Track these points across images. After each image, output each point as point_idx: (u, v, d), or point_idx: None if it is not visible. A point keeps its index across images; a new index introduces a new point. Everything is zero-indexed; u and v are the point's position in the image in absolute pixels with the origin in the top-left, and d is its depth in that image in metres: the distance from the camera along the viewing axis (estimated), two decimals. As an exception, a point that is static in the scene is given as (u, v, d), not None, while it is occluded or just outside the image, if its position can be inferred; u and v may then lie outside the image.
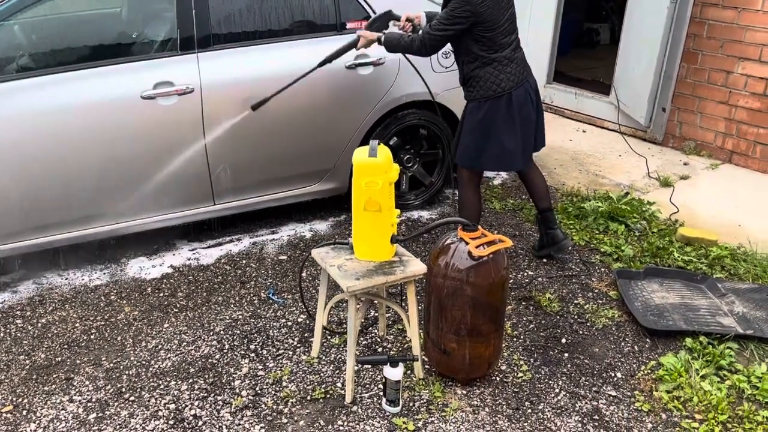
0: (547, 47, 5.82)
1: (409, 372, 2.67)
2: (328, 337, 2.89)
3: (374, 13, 3.65)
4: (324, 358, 2.77)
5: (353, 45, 3.36)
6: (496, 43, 3.02)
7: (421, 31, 3.12)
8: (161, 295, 3.22)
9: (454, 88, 3.86)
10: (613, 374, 2.71)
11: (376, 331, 2.95)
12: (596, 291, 3.30)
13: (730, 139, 4.82)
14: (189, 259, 3.55)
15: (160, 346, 2.84)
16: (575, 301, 3.20)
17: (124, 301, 3.17)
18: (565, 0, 5.67)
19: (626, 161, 4.91)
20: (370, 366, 2.70)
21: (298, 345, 2.85)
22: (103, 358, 2.77)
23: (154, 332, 2.94)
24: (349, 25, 3.64)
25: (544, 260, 3.57)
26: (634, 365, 2.76)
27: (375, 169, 2.40)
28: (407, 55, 3.43)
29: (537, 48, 5.95)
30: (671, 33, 4.89)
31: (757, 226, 3.90)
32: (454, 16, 2.94)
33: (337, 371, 2.69)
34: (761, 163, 4.67)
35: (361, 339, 2.89)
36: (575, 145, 5.24)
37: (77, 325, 2.99)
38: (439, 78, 3.83)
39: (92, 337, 2.91)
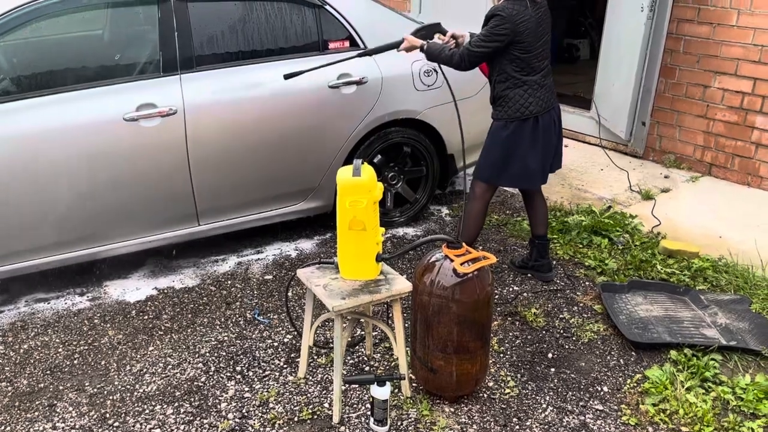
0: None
1: (396, 391, 2.66)
2: (315, 357, 2.88)
3: (355, 32, 3.69)
4: (311, 378, 2.75)
5: (396, 45, 3.43)
6: (529, 66, 3.09)
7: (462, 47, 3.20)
8: (145, 317, 3.20)
9: (436, 105, 3.92)
10: (599, 388, 2.72)
11: (363, 349, 2.95)
12: (581, 305, 3.32)
13: (709, 152, 4.90)
14: (173, 281, 3.52)
15: (144, 370, 2.81)
16: (561, 316, 3.22)
17: (108, 325, 3.13)
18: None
19: (608, 175, 4.96)
20: (357, 385, 2.69)
21: (285, 365, 2.84)
22: (86, 384, 2.73)
23: (138, 356, 2.91)
24: (331, 45, 3.67)
25: (529, 275, 3.58)
26: (620, 379, 2.78)
27: (359, 189, 2.41)
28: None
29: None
30: (649, 48, 4.97)
31: (737, 237, 3.96)
32: (493, 33, 3.01)
33: (325, 391, 2.68)
34: (740, 175, 4.74)
35: (348, 358, 2.88)
36: (558, 159, 5.30)
37: (60, 350, 2.95)
38: (421, 96, 3.86)
39: (75, 362, 2.87)
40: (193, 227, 3.52)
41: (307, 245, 3.93)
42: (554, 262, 3.68)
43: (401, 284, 2.50)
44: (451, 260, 2.45)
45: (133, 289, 3.44)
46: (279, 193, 3.68)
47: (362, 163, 2.46)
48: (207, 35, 3.37)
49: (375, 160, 3.89)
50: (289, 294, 3.37)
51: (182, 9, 3.29)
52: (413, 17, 4.45)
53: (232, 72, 3.42)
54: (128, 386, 2.71)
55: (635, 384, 2.73)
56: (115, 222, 3.29)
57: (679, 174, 4.97)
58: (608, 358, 2.92)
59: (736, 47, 4.58)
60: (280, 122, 3.50)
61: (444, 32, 3.42)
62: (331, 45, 3.67)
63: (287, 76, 3.41)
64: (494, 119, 3.25)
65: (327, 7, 3.64)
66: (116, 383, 2.73)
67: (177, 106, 3.24)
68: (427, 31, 3.44)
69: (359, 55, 3.49)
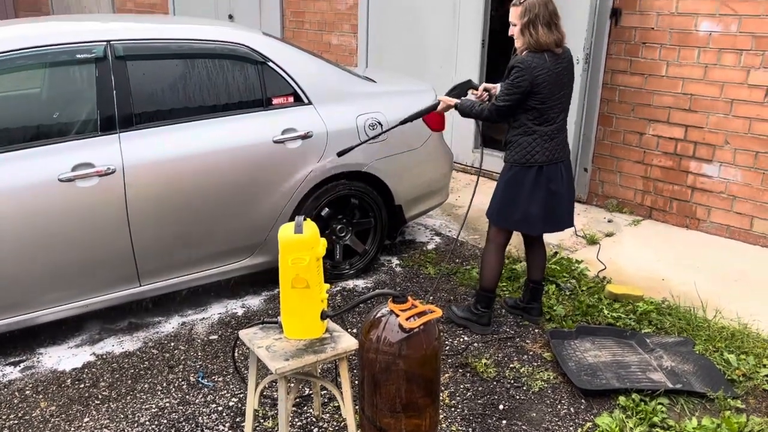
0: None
1: (346, 452, 2.58)
2: (261, 421, 2.78)
3: (299, 87, 3.72)
4: (257, 443, 2.65)
5: (434, 108, 3.58)
6: (543, 116, 3.17)
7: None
8: (82, 386, 3.04)
9: (383, 158, 3.95)
10: (551, 439, 2.70)
11: (311, 410, 2.86)
12: (531, 353, 3.32)
13: (648, 196, 5.06)
14: (113, 345, 3.38)
15: (79, 443, 2.66)
16: (511, 365, 3.21)
17: (41, 396, 2.97)
18: (486, 71, 5.94)
19: (554, 221, 5.05)
20: (305, 449, 2.60)
21: (230, 431, 2.72)
22: (15, 461, 2.56)
23: (72, 428, 2.75)
24: (275, 101, 3.68)
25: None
26: (571, 428, 2.76)
27: (301, 246, 2.38)
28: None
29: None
30: (586, 99, 5.16)
31: (678, 279, 4.06)
32: (513, 85, 3.10)
33: (271, 457, 2.57)
34: (678, 218, 4.90)
35: (296, 420, 2.79)
36: (505, 207, 5.38)
37: (-13, 425, 2.77)
38: (367, 148, 3.88)
39: (4, 438, 2.70)
40: (134, 288, 3.40)
41: (254, 302, 3.84)
42: (502, 310, 3.69)
43: (347, 342, 2.45)
44: (397, 315, 2.42)
45: (69, 356, 3.29)
46: (224, 249, 3.61)
47: (304, 219, 2.43)
48: (147, 93, 3.34)
49: (323, 213, 3.88)
50: (237, 354, 3.26)
51: (120, 67, 3.26)
52: (358, 72, 4.52)
53: (174, 129, 3.38)
54: (61, 462, 2.55)
55: (586, 433, 2.72)
56: (51, 286, 3.15)
57: (621, 218, 5.10)
58: (559, 407, 2.90)
59: (667, 96, 4.80)
60: (223, 178, 3.46)
61: (476, 87, 3.56)
62: (275, 101, 3.68)
63: (340, 154, 3.67)
64: (504, 161, 3.35)
65: (270, 63, 3.66)
66: (48, 459, 2.57)
67: (116, 165, 3.17)
68: (460, 90, 3.58)
69: (401, 123, 3.65)
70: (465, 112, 3.38)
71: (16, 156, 3.02)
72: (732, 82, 4.45)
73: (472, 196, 3.67)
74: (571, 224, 3.43)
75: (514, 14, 3.14)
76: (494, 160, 6.03)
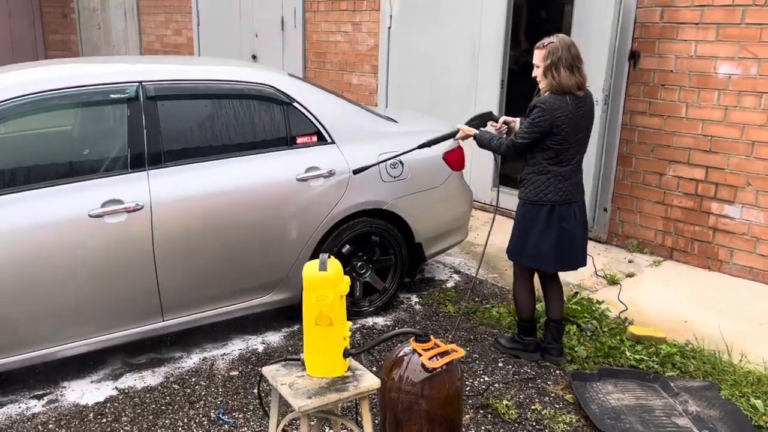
0: (490, 152, 6.12)
1: (366, 493, 2.55)
2: (282, 459, 2.76)
3: (323, 127, 3.80)
4: (277, 482, 2.63)
5: (453, 135, 3.66)
6: (559, 157, 3.24)
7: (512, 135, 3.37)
8: (104, 420, 3.06)
9: (404, 195, 3.99)
10: (574, 484, 2.65)
11: (331, 449, 2.85)
12: (553, 395, 3.28)
13: (669, 237, 5.04)
14: (135, 379, 3.40)
15: (100, 479, 2.66)
16: (532, 407, 3.17)
17: (63, 430, 2.98)
18: (506, 111, 6.01)
19: (574, 260, 5.03)
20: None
21: (250, 469, 2.72)
22: (36, 496, 2.57)
23: (94, 463, 2.76)
24: (299, 140, 3.76)
25: (500, 364, 3.56)
26: (595, 473, 2.72)
27: (325, 283, 2.40)
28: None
29: (482, 153, 6.22)
30: (605, 139, 5.19)
31: (701, 321, 4.01)
32: (534, 124, 3.18)
33: (291, 497, 2.55)
34: (700, 259, 4.86)
35: (316, 459, 2.77)
36: (524, 245, 5.38)
37: (10, 458, 2.79)
38: (388, 187, 3.94)
39: (26, 471, 2.71)
40: (157, 323, 3.44)
41: (274, 338, 3.85)
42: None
43: (369, 381, 2.45)
44: (419, 354, 2.42)
45: (92, 390, 3.31)
46: (246, 286, 3.65)
47: (328, 257, 2.46)
48: (175, 132, 3.43)
49: (343, 250, 3.91)
50: (257, 390, 3.27)
51: (151, 107, 3.36)
52: (379, 111, 4.60)
53: (201, 167, 3.45)
54: (82, 497, 2.56)
55: (610, 478, 2.67)
56: (76, 320, 3.20)
57: (642, 258, 5.07)
58: (582, 451, 2.86)
59: (687, 137, 4.81)
60: (247, 215, 3.52)
61: (496, 119, 3.64)
62: (299, 140, 3.76)
63: (356, 171, 3.73)
64: (519, 198, 3.42)
65: (295, 103, 3.75)
66: (69, 494, 2.58)
67: (144, 201, 3.24)
68: (480, 120, 3.66)
69: (419, 147, 3.73)
70: (483, 143, 3.46)
71: (48, 192, 3.10)
72: (753, 125, 4.47)
73: (488, 235, 3.70)
74: (584, 263, 3.46)
75: (538, 57, 3.22)
76: (513, 199, 6.06)
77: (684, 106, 4.79)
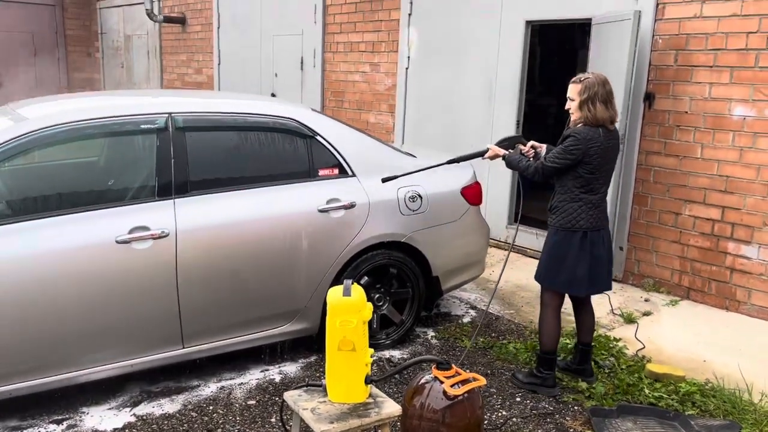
0: (506, 190, 6.19)
1: None
2: (300, 488, 2.75)
3: (344, 160, 3.88)
4: None
5: (482, 154, 3.79)
6: (590, 185, 3.37)
7: (539, 160, 3.49)
8: (122, 445, 3.06)
9: (422, 229, 4.04)
10: None
11: (349, 479, 2.83)
12: (572, 431, 3.26)
13: (686, 276, 5.03)
14: (153, 406, 3.41)
15: (118, 503, 2.66)
16: (551, 442, 3.15)
17: (82, 454, 2.99)
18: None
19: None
20: None
21: (268, 497, 2.70)
22: None
23: (112, 487, 2.76)
24: (321, 172, 3.84)
25: (518, 399, 3.54)
26: None
27: (349, 308, 2.45)
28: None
29: (498, 190, 6.28)
30: (621, 178, 5.25)
31: (721, 360, 3.98)
32: (567, 151, 3.32)
33: None
34: (718, 299, 4.84)
35: (334, 488, 2.76)
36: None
37: (29, 481, 2.79)
38: (406, 220, 3.99)
39: (45, 494, 2.71)
40: (177, 350, 3.47)
41: (291, 369, 3.86)
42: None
43: (391, 408, 2.46)
44: (441, 382, 2.44)
45: (111, 416, 3.32)
46: (266, 314, 3.68)
47: (352, 283, 2.51)
48: (202, 162, 3.51)
49: (361, 282, 3.94)
50: (274, 419, 3.27)
51: (180, 137, 3.46)
52: (397, 146, 4.69)
53: (225, 197, 3.53)
54: None
55: None
56: (99, 345, 3.24)
57: (659, 298, 5.05)
58: (603, 487, 2.82)
59: (702, 178, 4.86)
60: (269, 245, 3.58)
61: (524, 143, 3.76)
62: (321, 172, 3.84)
63: (385, 180, 3.83)
64: (549, 225, 3.51)
65: (318, 137, 3.84)
66: None
67: (169, 228, 3.31)
68: (510, 142, 3.79)
69: (448, 162, 3.88)
70: (512, 163, 3.59)
71: (78, 218, 3.18)
72: (768, 165, 4.51)
73: (502, 270, 3.75)
74: (609, 287, 3.59)
75: (574, 90, 3.39)
76: (528, 236, 6.09)
77: (699, 147, 4.85)
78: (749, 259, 4.66)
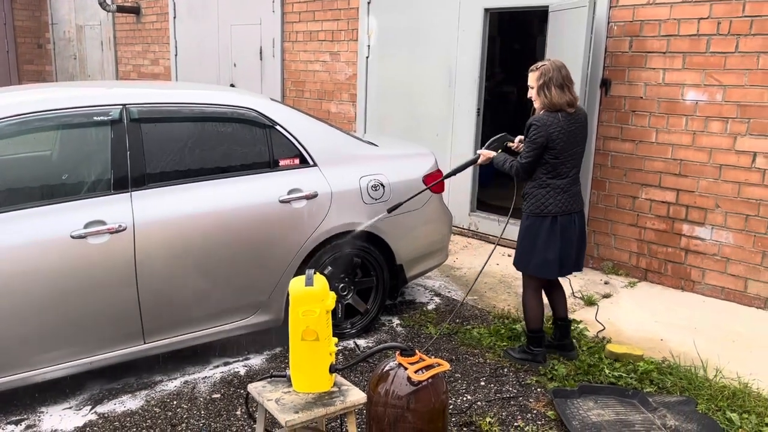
0: (468, 180, 6.23)
1: None
2: (266, 479, 2.74)
3: (305, 150, 3.85)
4: (262, 502, 2.61)
5: (475, 161, 3.85)
6: (556, 170, 3.44)
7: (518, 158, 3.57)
8: (83, 444, 3.00)
9: (385, 218, 4.04)
10: (559, 498, 2.68)
11: (316, 468, 2.83)
12: (535, 412, 3.32)
13: (643, 258, 5.16)
14: (115, 404, 3.35)
15: (80, 503, 2.61)
16: (515, 424, 3.20)
17: (42, 454, 2.93)
18: (482, 138, 6.15)
19: (551, 282, 5.12)
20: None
21: (234, 490, 2.69)
22: None
23: (74, 487, 2.71)
24: (282, 163, 3.80)
25: (482, 383, 3.58)
26: (579, 487, 2.74)
27: (312, 298, 2.43)
28: None
29: (461, 179, 6.32)
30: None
31: (677, 339, 4.10)
32: (532, 141, 3.40)
33: None
34: (674, 280, 4.98)
35: (301, 478, 2.76)
36: (502, 268, 5.45)
37: (-14, 484, 2.72)
38: (369, 209, 3.99)
39: (3, 497, 2.65)
40: (138, 346, 3.40)
41: (256, 361, 3.83)
42: (504, 369, 3.71)
43: (355, 396, 2.46)
44: (405, 368, 2.45)
45: (71, 414, 3.25)
46: (228, 307, 3.64)
47: (314, 272, 2.49)
48: (159, 154, 3.44)
49: (325, 272, 3.92)
50: (240, 412, 3.24)
51: (135, 129, 3.38)
52: (359, 135, 4.68)
53: (184, 189, 3.47)
54: None
55: (594, 491, 2.70)
56: (56, 343, 3.16)
57: (617, 280, 5.17)
58: (565, 465, 2.89)
59: (658, 161, 4.97)
60: (230, 237, 3.53)
61: (512, 140, 3.84)
62: (282, 162, 3.80)
63: (390, 210, 3.91)
64: (522, 211, 3.60)
65: (277, 126, 3.80)
66: None
67: (126, 222, 3.24)
68: (498, 143, 3.87)
69: (446, 177, 4.05)
70: (498, 166, 3.68)
71: (30, 213, 3.09)
72: (720, 148, 4.64)
73: (485, 263, 3.79)
74: (580, 268, 3.68)
75: (532, 78, 3.48)
76: (490, 223, 6.15)
77: (654, 132, 4.96)
78: (703, 240, 4.80)
